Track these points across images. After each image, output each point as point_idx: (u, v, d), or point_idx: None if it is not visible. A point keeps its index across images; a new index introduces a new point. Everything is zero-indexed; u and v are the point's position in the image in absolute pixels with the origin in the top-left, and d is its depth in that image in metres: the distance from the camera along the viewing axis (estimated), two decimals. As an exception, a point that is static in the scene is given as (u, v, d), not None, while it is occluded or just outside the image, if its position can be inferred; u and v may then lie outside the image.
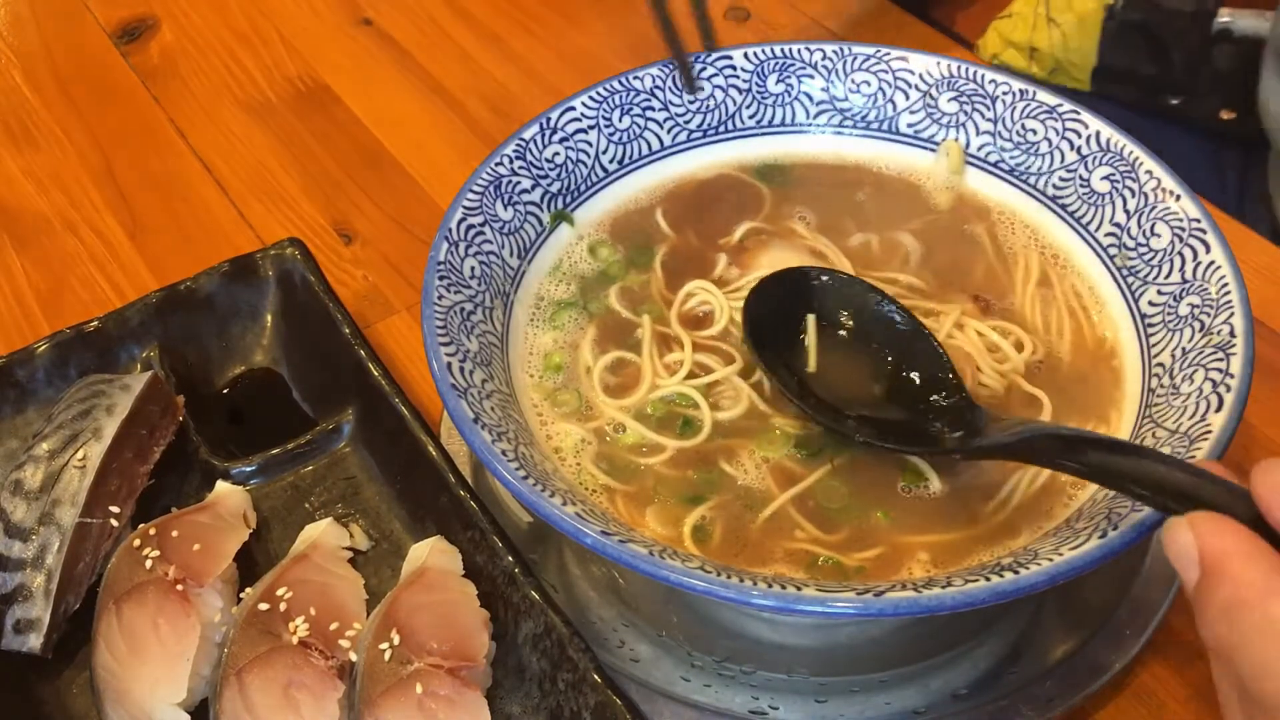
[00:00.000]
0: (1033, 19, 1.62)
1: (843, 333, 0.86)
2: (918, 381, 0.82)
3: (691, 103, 0.98)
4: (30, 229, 1.20)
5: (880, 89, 0.98)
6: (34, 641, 0.83)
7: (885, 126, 0.98)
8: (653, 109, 0.97)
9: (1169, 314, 0.82)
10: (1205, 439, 0.72)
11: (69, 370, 0.98)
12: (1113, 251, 0.88)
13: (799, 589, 0.68)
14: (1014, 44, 1.65)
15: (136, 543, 0.85)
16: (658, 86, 0.97)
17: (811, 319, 0.86)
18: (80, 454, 0.87)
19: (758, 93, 0.99)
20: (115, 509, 0.88)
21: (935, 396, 0.80)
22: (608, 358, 0.87)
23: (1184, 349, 0.80)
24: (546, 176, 0.93)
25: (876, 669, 0.82)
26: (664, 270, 0.93)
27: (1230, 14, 1.48)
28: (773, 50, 0.99)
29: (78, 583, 0.86)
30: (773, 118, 0.99)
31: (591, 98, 0.96)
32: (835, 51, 0.98)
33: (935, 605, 0.67)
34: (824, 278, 0.87)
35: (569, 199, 0.94)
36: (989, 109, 0.95)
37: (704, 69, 0.98)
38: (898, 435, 0.80)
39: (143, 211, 1.21)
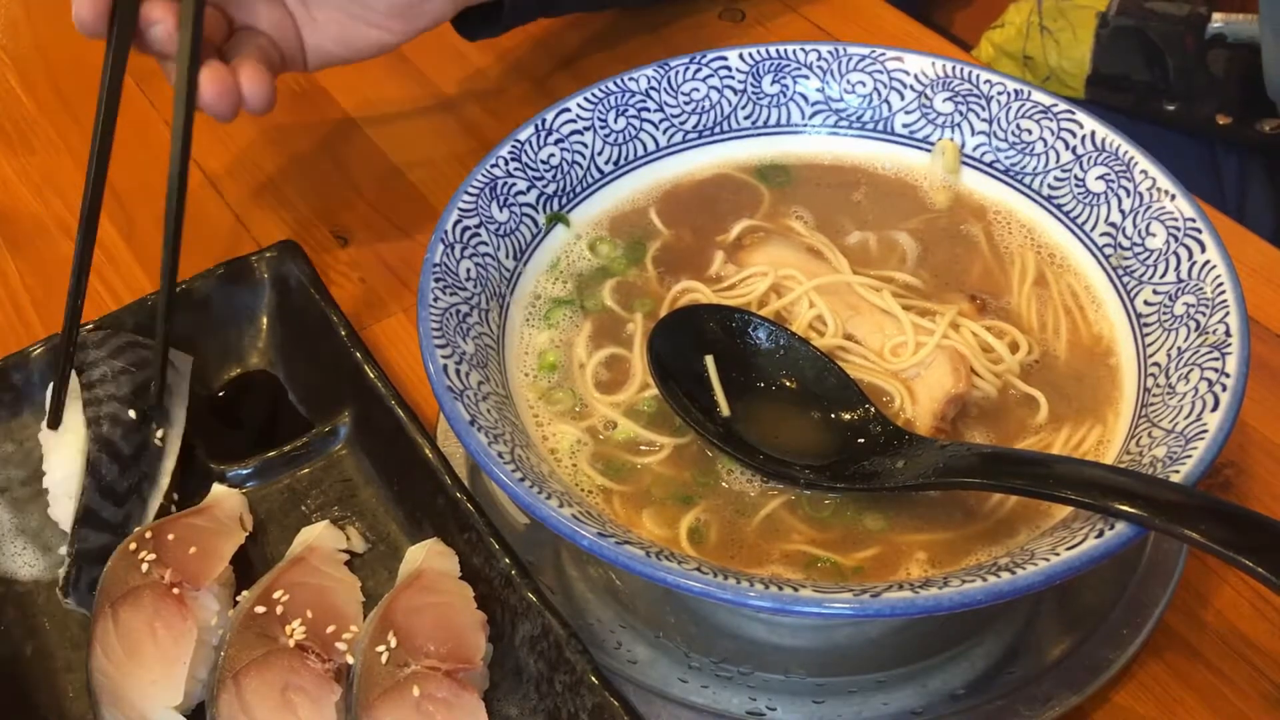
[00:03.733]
0: (1025, 28, 1.62)
1: (754, 375, 0.84)
2: (839, 416, 0.82)
3: (687, 103, 0.98)
4: (25, 232, 1.20)
5: (875, 89, 0.98)
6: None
7: (881, 127, 0.98)
8: (648, 110, 0.97)
9: (1164, 313, 0.82)
10: (1201, 438, 0.72)
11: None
12: (1108, 251, 0.88)
13: (796, 590, 0.68)
14: (1007, 53, 1.66)
15: (132, 546, 0.84)
16: (653, 88, 0.97)
17: (710, 360, 0.84)
18: (159, 433, 0.91)
19: (753, 93, 0.99)
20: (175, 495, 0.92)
21: (860, 430, 0.80)
22: (601, 354, 0.87)
23: (1180, 348, 0.80)
24: (542, 178, 0.93)
25: (874, 669, 0.82)
26: (660, 267, 0.93)
27: (1224, 19, 1.48)
28: (768, 51, 0.99)
29: None
30: (768, 118, 0.99)
31: (587, 99, 0.95)
32: (830, 52, 0.98)
33: (932, 606, 0.67)
34: (719, 318, 0.86)
35: (565, 200, 0.94)
36: (984, 109, 0.95)
37: (699, 70, 0.98)
38: (834, 474, 0.79)
39: (138, 214, 1.20)
